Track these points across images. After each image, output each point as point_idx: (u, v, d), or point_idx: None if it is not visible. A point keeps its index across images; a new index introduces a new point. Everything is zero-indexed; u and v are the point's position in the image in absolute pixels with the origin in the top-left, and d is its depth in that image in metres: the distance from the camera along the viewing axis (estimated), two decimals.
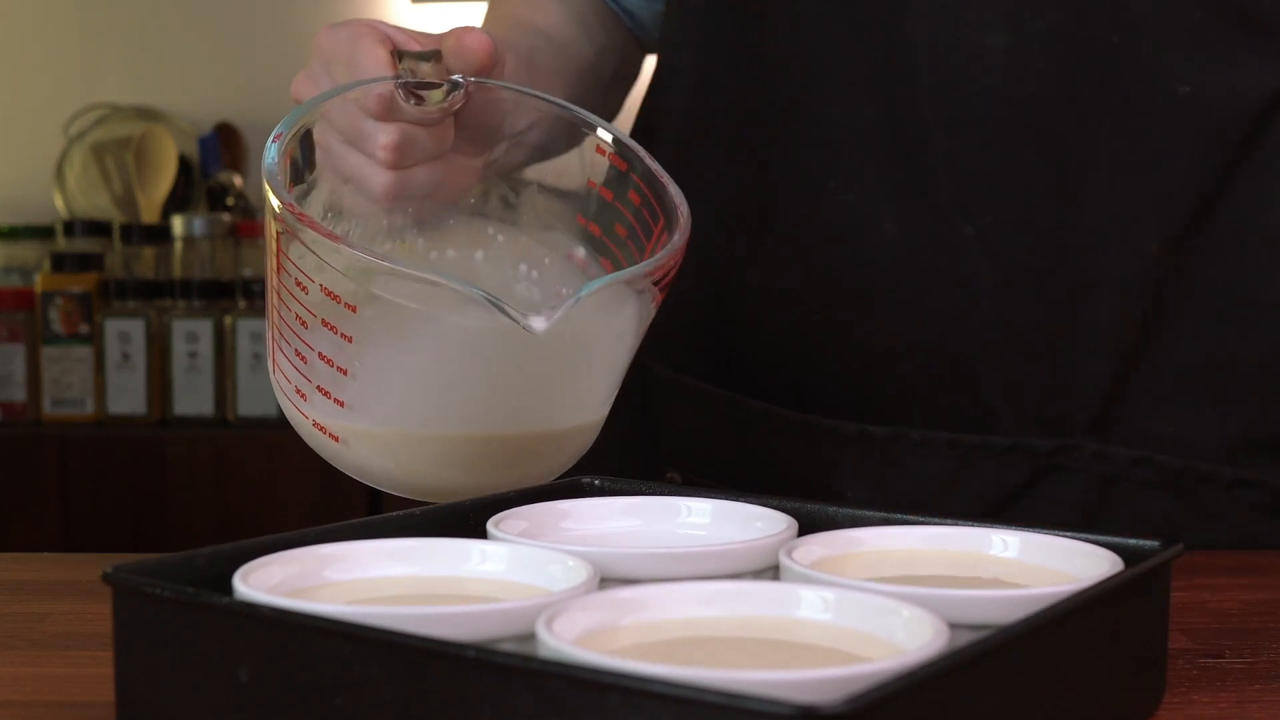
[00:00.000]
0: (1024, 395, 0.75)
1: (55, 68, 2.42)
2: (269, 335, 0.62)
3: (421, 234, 0.68)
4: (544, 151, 0.71)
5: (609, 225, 0.66)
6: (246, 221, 2.22)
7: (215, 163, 2.35)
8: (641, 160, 0.64)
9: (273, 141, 0.60)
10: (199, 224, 2.14)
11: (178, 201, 2.32)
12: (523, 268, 0.68)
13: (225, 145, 2.37)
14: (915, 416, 0.77)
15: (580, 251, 0.67)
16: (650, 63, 0.94)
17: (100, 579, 0.43)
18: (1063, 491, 0.75)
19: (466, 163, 0.69)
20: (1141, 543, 0.49)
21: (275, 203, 0.57)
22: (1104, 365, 0.74)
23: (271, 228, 0.58)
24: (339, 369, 0.58)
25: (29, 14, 2.42)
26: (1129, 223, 0.73)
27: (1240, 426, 0.75)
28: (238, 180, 2.33)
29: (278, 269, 0.58)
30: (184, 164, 2.34)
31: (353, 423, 0.60)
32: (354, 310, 0.56)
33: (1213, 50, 0.71)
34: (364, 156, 0.65)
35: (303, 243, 0.56)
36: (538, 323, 0.54)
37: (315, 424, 0.61)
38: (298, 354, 0.59)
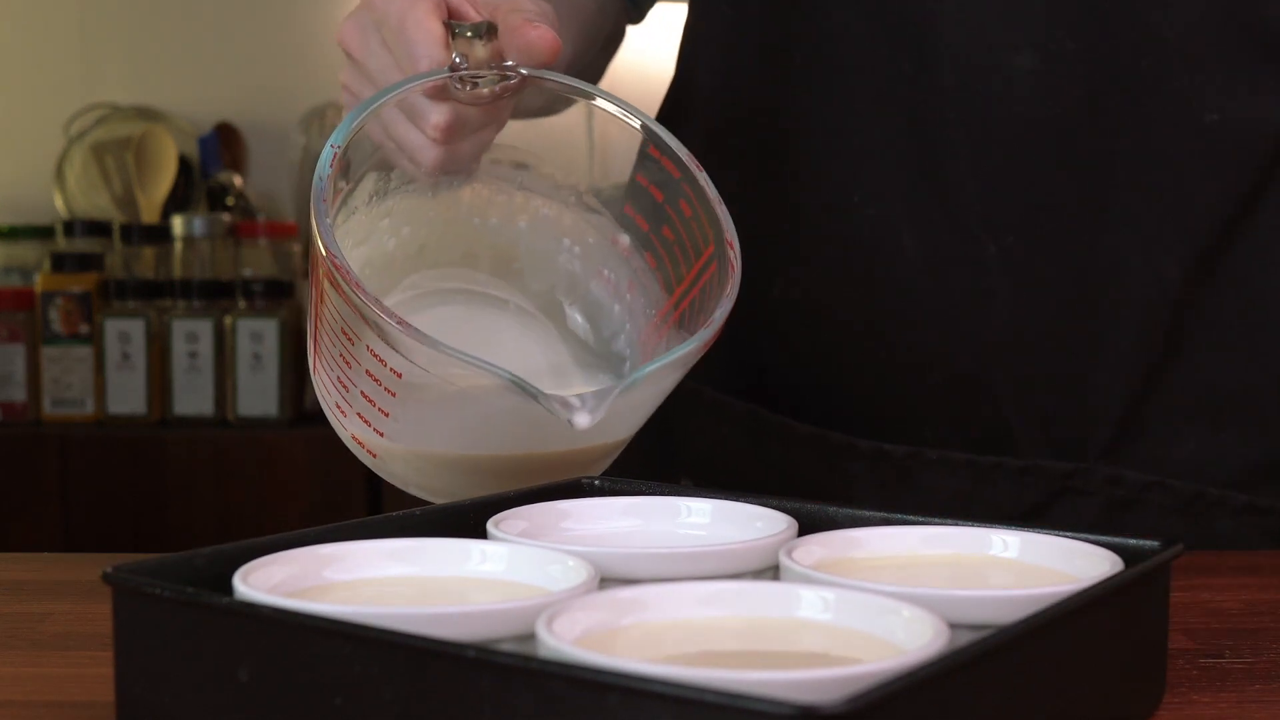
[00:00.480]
0: (1040, 416, 0.75)
1: (55, 68, 2.42)
2: (310, 343, 0.61)
3: (466, 199, 0.67)
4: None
5: (656, 224, 0.65)
6: (246, 221, 2.22)
7: (215, 163, 2.35)
8: (696, 180, 0.63)
9: (328, 166, 0.58)
10: (199, 224, 2.14)
11: (178, 201, 2.32)
12: (566, 241, 0.67)
13: (225, 145, 2.37)
14: (932, 435, 0.77)
15: (625, 240, 0.67)
16: (638, 52, 0.93)
17: (100, 579, 0.43)
18: (1076, 514, 0.75)
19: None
20: (1141, 543, 0.49)
21: (323, 251, 0.55)
22: (1121, 389, 0.74)
23: (318, 269, 0.57)
24: (380, 410, 0.59)
25: (29, 14, 2.42)
26: (1151, 247, 0.72)
27: (1255, 453, 0.75)
28: (238, 180, 2.33)
29: (321, 299, 0.58)
30: (184, 164, 2.34)
31: (390, 446, 0.61)
32: (399, 376, 0.56)
33: (1241, 78, 0.70)
34: (416, 130, 0.64)
35: (352, 306, 0.55)
36: (581, 419, 0.53)
37: (353, 436, 0.62)
38: (340, 382, 0.59)
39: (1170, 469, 0.74)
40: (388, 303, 0.56)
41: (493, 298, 0.68)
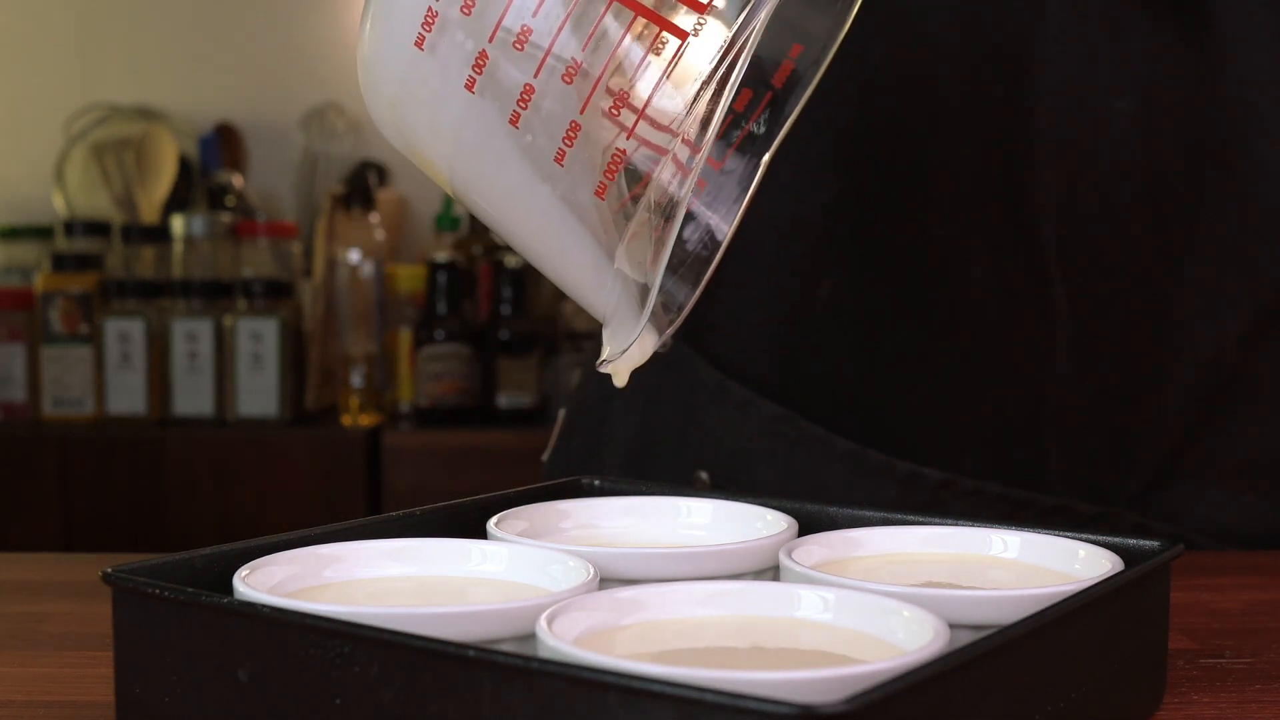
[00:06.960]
0: (1079, 458, 0.74)
1: (55, 68, 2.42)
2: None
3: None
4: None
5: None
6: (246, 221, 2.22)
7: (215, 163, 2.35)
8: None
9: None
10: (199, 224, 2.14)
11: (178, 201, 2.32)
12: None
13: (225, 145, 2.38)
14: (970, 464, 0.75)
15: None
16: None
17: (100, 579, 0.43)
18: None
19: None
20: (1141, 543, 0.49)
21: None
22: (1162, 442, 0.73)
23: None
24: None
25: (29, 14, 2.42)
26: (1215, 307, 0.71)
27: (1279, 520, 0.74)
28: (238, 180, 2.33)
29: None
30: (184, 164, 2.34)
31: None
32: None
33: None
34: None
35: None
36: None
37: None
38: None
39: (1194, 524, 0.74)
40: None
41: None
